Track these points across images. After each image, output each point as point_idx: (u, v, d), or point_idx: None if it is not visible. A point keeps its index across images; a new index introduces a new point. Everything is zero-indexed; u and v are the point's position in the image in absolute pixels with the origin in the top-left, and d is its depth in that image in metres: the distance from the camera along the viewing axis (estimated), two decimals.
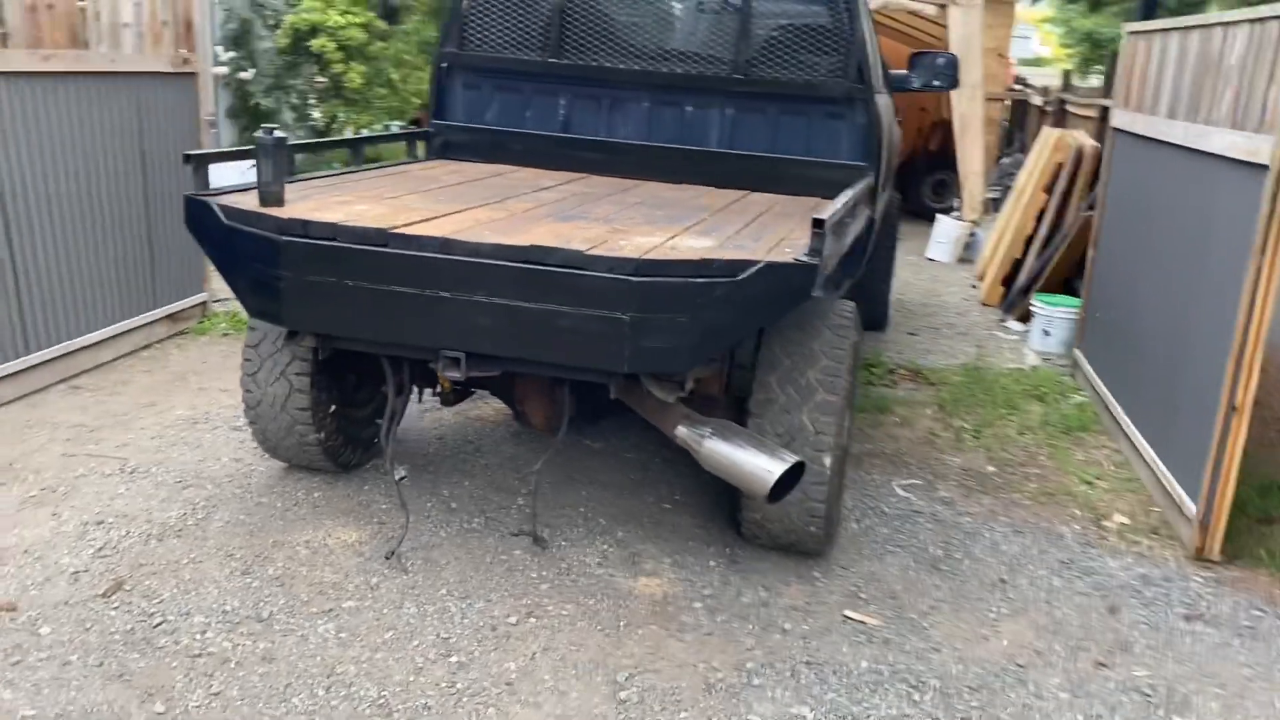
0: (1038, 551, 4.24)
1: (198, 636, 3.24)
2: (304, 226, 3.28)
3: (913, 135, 13.60)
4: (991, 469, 5.09)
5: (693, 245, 3.38)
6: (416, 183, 4.37)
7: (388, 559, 3.75)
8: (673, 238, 3.49)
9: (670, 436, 3.62)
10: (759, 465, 3.37)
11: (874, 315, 7.36)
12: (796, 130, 4.98)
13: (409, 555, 3.81)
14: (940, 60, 6.28)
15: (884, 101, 5.62)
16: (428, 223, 3.42)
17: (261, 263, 3.35)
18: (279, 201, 3.50)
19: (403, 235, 3.22)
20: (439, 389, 4.30)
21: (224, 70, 10.26)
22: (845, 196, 3.81)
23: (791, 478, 3.41)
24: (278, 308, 3.39)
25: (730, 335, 3.25)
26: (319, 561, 3.73)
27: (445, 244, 3.19)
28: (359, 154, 4.90)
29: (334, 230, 3.26)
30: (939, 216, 10.97)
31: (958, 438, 5.48)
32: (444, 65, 5.27)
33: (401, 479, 3.74)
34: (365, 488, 4.36)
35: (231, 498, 4.20)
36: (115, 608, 3.36)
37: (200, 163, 3.59)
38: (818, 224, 3.14)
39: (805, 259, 3.16)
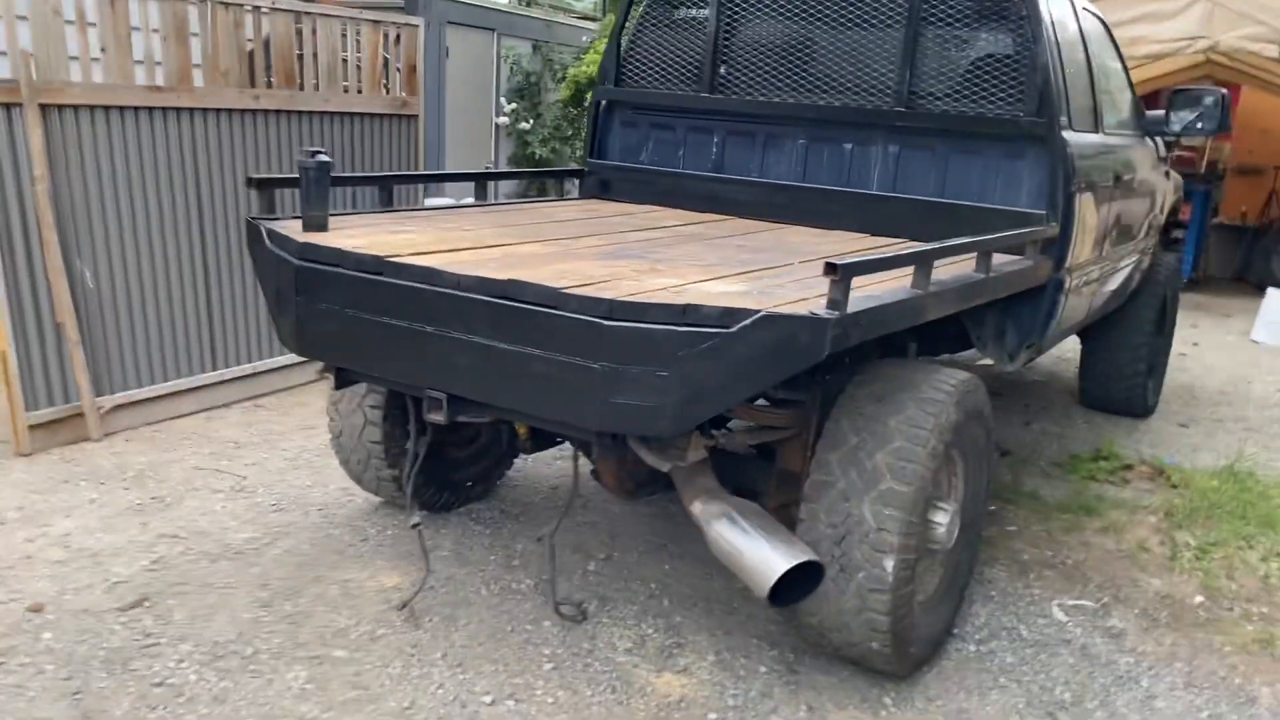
0: (1207, 717, 3.25)
1: (171, 665, 3.15)
2: (315, 252, 3.16)
3: (1263, 196, 11.78)
4: (1199, 600, 4.04)
5: (718, 291, 2.89)
6: (518, 217, 4.17)
7: (400, 609, 3.50)
8: (705, 282, 3.01)
9: (686, 512, 3.12)
10: (762, 559, 2.80)
11: (1130, 398, 6.25)
12: (967, 171, 4.27)
13: (433, 610, 3.55)
14: (1207, 100, 5.22)
15: (1114, 146, 4.75)
16: (439, 254, 3.17)
17: (284, 287, 3.26)
18: (321, 227, 3.41)
19: (395, 264, 3.00)
20: (518, 435, 4.03)
21: (505, 120, 10.73)
22: (943, 246, 3.14)
23: (809, 579, 2.80)
24: (294, 334, 3.28)
25: (724, 397, 2.71)
26: (343, 603, 3.56)
27: (429, 274, 2.93)
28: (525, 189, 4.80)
29: (339, 256, 3.11)
30: (1270, 290, 9.28)
31: (1173, 556, 4.43)
32: (601, 103, 5.06)
33: (416, 525, 3.49)
34: (444, 531, 4.17)
35: (309, 526, 4.15)
36: (123, 623, 3.36)
37: (263, 185, 3.58)
38: (832, 269, 2.55)
39: (817, 313, 2.58)
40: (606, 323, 2.63)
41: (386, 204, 4.14)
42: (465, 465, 4.34)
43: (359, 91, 6.23)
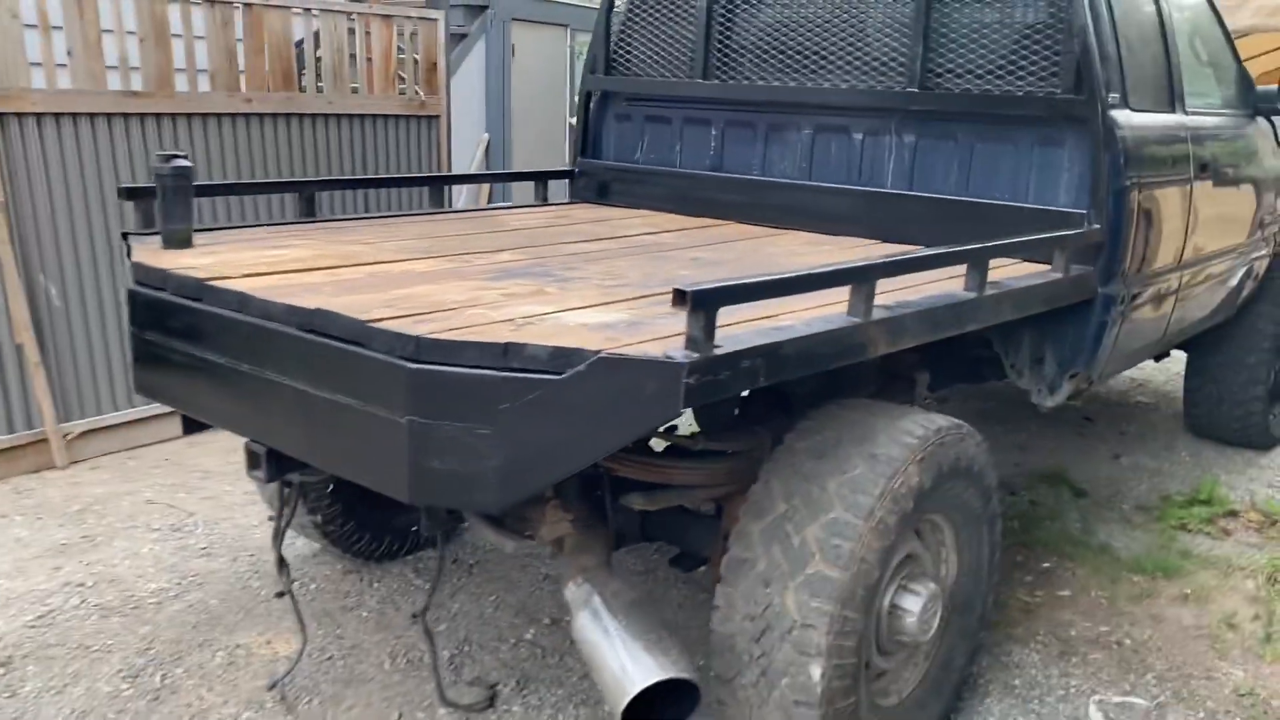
0: None
1: None
2: (143, 273, 2.69)
3: None
4: None
5: (577, 323, 2.27)
6: (457, 227, 3.63)
7: (269, 689, 3.01)
8: (580, 310, 2.40)
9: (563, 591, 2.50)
10: (619, 669, 2.17)
11: (1246, 428, 5.26)
12: (996, 164, 3.51)
13: (319, 688, 3.04)
14: None
15: (1200, 128, 3.89)
16: (283, 275, 2.66)
17: (129, 314, 2.81)
18: (183, 243, 2.95)
19: (211, 289, 2.50)
20: None
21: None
22: (878, 262, 2.44)
23: (684, 701, 2.16)
24: (132, 371, 2.83)
25: (562, 461, 2.09)
26: (220, 676, 3.09)
27: (242, 301, 2.42)
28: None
29: (163, 279, 2.63)
30: None
31: (1267, 637, 3.55)
32: (590, 95, 4.48)
33: (281, 595, 2.99)
34: (376, 586, 3.67)
35: (229, 575, 3.72)
36: None
37: (135, 195, 3.14)
38: (680, 298, 1.91)
39: (671, 355, 1.95)
40: (411, 365, 2.06)
41: (309, 213, 3.66)
42: (396, 513, 3.80)
43: (370, 92, 5.82)
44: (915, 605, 2.60)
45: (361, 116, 5.75)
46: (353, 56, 5.68)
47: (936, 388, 3.73)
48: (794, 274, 2.23)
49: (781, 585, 2.35)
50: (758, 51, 3.99)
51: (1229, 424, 5.30)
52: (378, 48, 5.78)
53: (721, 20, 4.07)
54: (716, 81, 4.09)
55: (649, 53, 4.29)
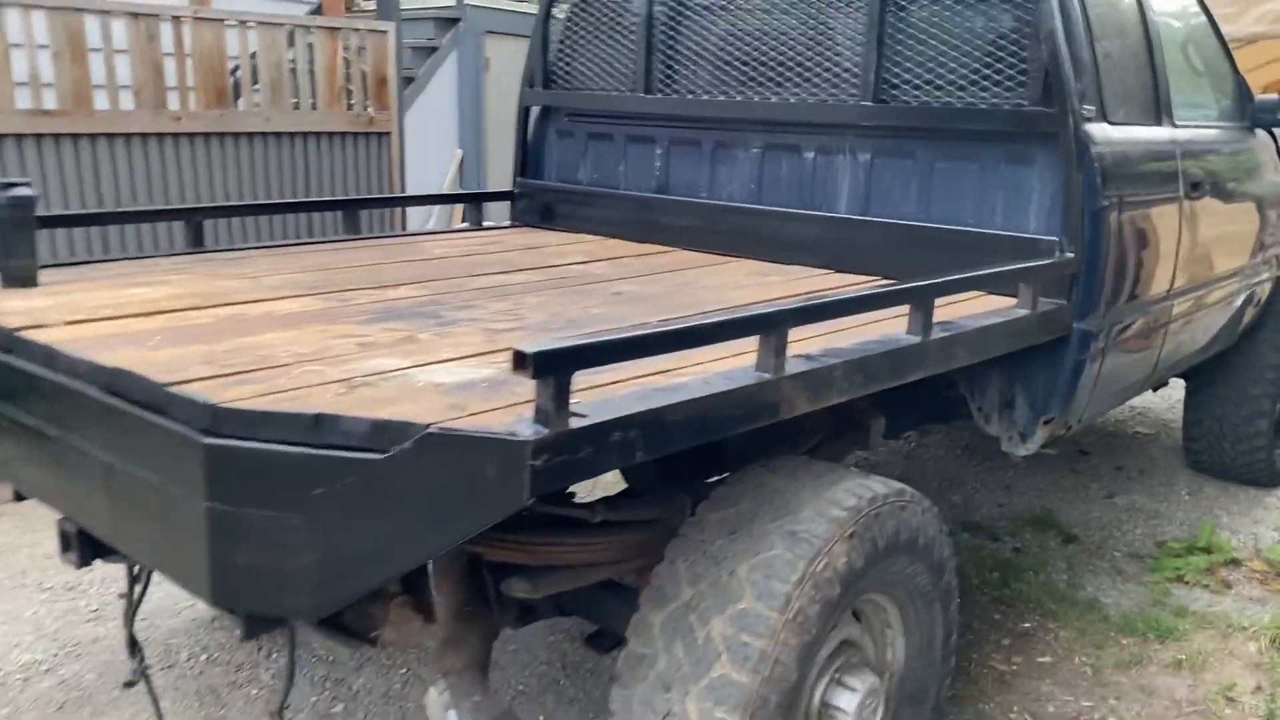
0: None
1: None
2: None
3: None
4: None
5: (431, 383, 1.91)
6: (356, 257, 3.28)
7: None
8: (445, 363, 2.04)
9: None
10: None
11: (1251, 464, 4.87)
12: (959, 185, 3.14)
13: None
14: None
15: (1191, 142, 3.52)
16: (119, 321, 2.30)
17: None
18: (25, 281, 2.60)
19: (20, 340, 2.15)
20: None
21: None
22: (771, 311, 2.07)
23: None
24: None
25: (392, 558, 1.72)
26: None
27: (49, 356, 2.06)
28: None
29: None
30: None
31: (1270, 713, 3.16)
32: (527, 109, 4.13)
33: (130, 685, 2.63)
34: (275, 656, 3.31)
35: (113, 645, 3.35)
36: None
37: None
38: (520, 360, 1.55)
39: (515, 432, 1.58)
40: (208, 440, 1.69)
41: (197, 242, 3.32)
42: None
43: (313, 108, 5.49)
44: (851, 703, 2.23)
45: (304, 135, 5.42)
46: (294, 70, 5.35)
47: (897, 431, 3.36)
48: (677, 326, 1.86)
49: (683, 690, 1.98)
50: (702, 63, 3.64)
51: (1231, 460, 4.91)
52: (321, 61, 5.45)
53: (664, 30, 3.72)
54: (659, 96, 3.73)
55: (589, 65, 3.94)
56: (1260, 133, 4.28)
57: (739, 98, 3.53)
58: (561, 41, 4.01)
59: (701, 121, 3.66)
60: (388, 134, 5.79)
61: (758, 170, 3.56)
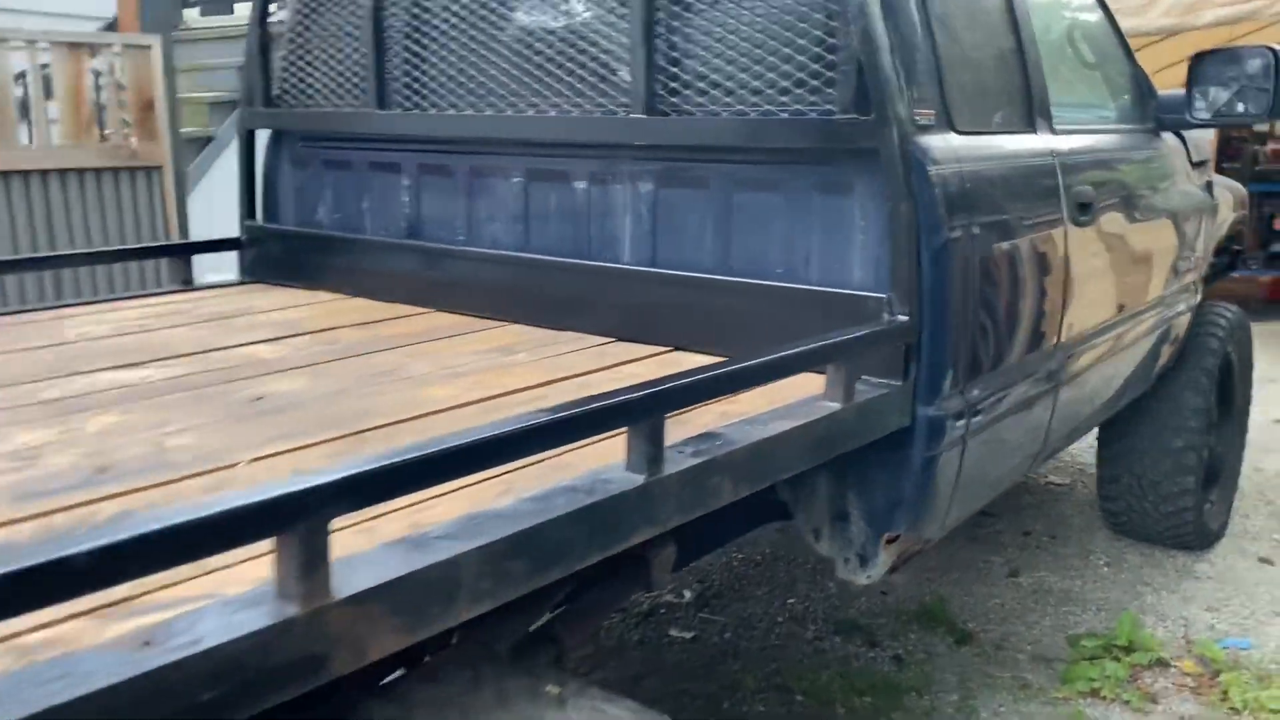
0: None
1: None
2: None
3: None
4: None
5: None
6: None
7: None
8: None
9: None
10: None
11: (1177, 526, 4.12)
12: (762, 222, 2.32)
13: None
14: (1251, 64, 3.14)
15: (1075, 153, 2.74)
16: None
17: None
18: None
19: None
20: None
21: None
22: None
23: None
24: None
25: None
26: None
27: None
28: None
29: None
30: None
31: None
32: (250, 133, 3.24)
33: None
34: None
35: None
36: None
37: None
38: None
39: None
40: None
41: None
42: None
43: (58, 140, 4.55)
44: None
45: (43, 172, 4.47)
46: (23, 97, 4.41)
47: (697, 554, 2.51)
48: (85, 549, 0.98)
49: None
50: (449, 66, 2.78)
51: (1155, 522, 4.15)
52: (62, 84, 4.52)
53: (398, 27, 2.86)
54: (397, 111, 2.87)
55: (319, 74, 3.06)
56: (1168, 137, 3.54)
57: (489, 111, 2.68)
58: (286, 45, 3.14)
59: (452, 143, 2.81)
60: (158, 168, 4.86)
61: (522, 205, 2.71)
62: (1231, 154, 9.50)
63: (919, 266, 2.08)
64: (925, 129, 2.13)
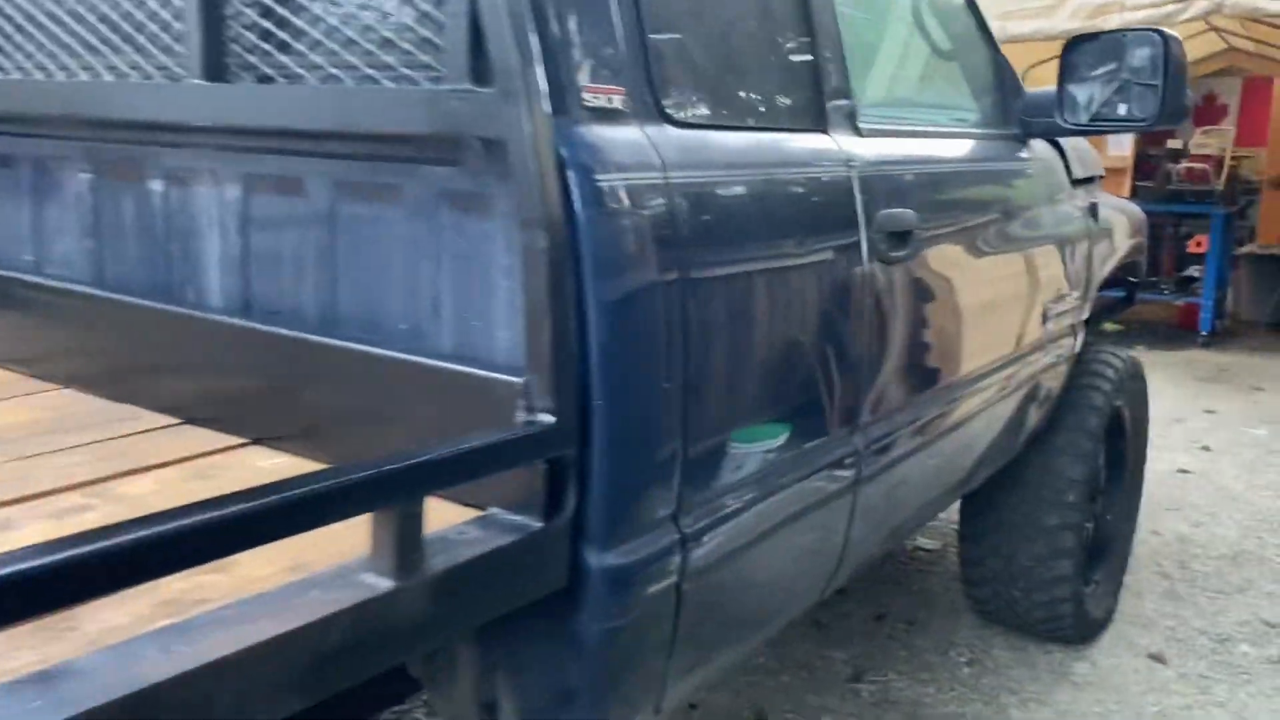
0: None
1: None
2: None
3: None
4: None
5: None
6: None
7: None
8: None
9: None
10: None
11: (1053, 617, 3.41)
12: (382, 250, 1.51)
13: None
14: (1136, 54, 2.41)
15: (883, 163, 1.97)
16: None
17: None
18: None
19: None
20: None
21: None
22: None
23: None
24: None
25: None
26: None
27: None
28: None
29: None
30: None
31: None
32: None
33: None
34: None
35: None
36: None
37: None
38: None
39: None
40: None
41: None
42: None
43: None
44: None
45: None
46: None
47: None
48: None
49: None
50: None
51: (1026, 611, 3.43)
52: None
53: None
54: None
55: None
56: (1040, 146, 2.81)
57: (40, 74, 1.84)
58: None
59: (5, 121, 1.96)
60: None
61: (91, 216, 1.87)
62: (1148, 171, 8.96)
63: (583, 334, 1.29)
64: (603, 115, 1.35)
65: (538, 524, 1.27)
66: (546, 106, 1.23)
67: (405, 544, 1.10)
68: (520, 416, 1.26)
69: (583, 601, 1.36)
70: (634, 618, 1.41)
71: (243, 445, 1.56)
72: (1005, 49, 2.75)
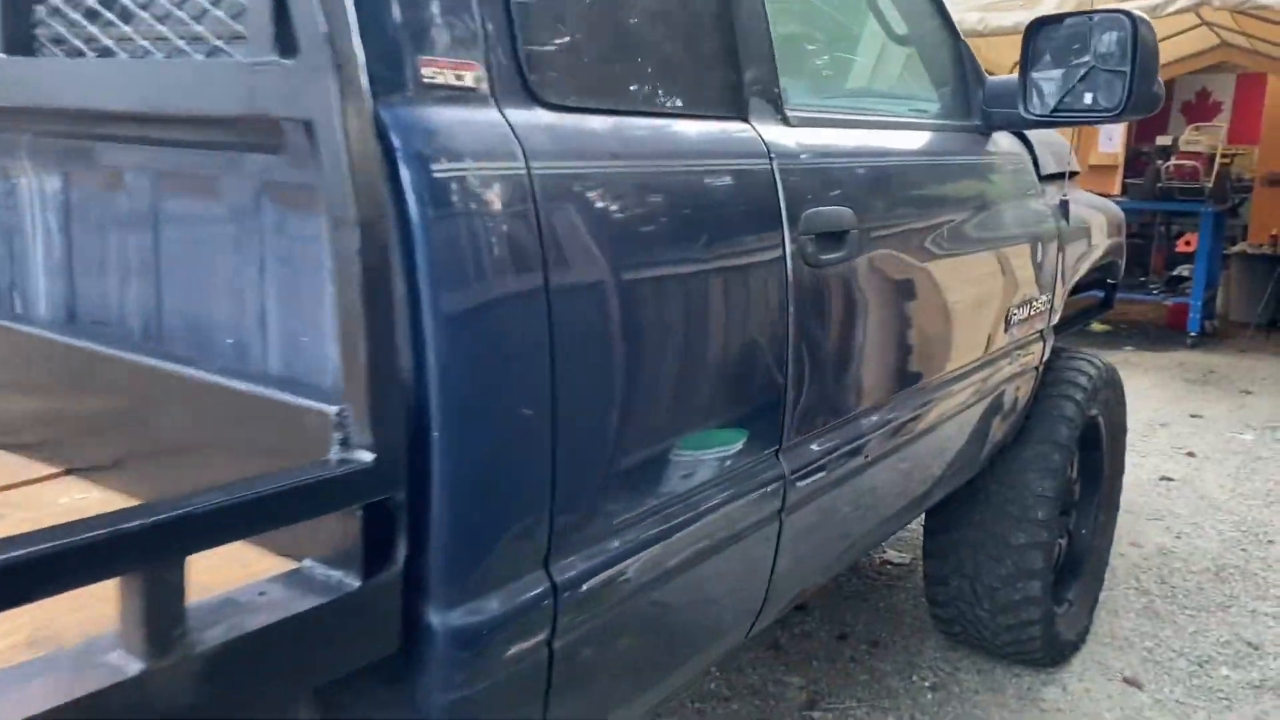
0: None
1: None
2: None
3: None
4: None
5: None
6: None
7: None
8: None
9: None
10: None
11: (1021, 640, 3.21)
12: (201, 253, 1.31)
13: None
14: (1103, 39, 2.20)
15: (875, 154, 1.78)
16: None
17: None
18: None
19: None
20: None
21: None
22: None
23: None
24: None
25: None
26: None
27: None
28: None
29: None
30: None
31: None
32: None
33: None
34: None
35: None
36: None
37: None
38: None
39: None
40: None
41: None
42: None
43: None
44: None
45: None
46: None
47: None
48: None
49: None
50: None
51: (993, 634, 3.23)
52: None
53: None
54: None
55: None
56: (1004, 139, 2.61)
57: None
58: None
59: None
60: None
61: (62, 221, 1.65)
62: (1140, 168, 8.77)
63: (420, 355, 1.09)
64: (448, 95, 1.14)
65: (355, 582, 1.06)
66: (364, 81, 1.02)
67: (160, 615, 0.89)
68: (334, 453, 1.06)
69: (423, 668, 1.15)
70: (489, 685, 1.20)
71: (54, 476, 1.35)
72: (987, 43, 2.55)
